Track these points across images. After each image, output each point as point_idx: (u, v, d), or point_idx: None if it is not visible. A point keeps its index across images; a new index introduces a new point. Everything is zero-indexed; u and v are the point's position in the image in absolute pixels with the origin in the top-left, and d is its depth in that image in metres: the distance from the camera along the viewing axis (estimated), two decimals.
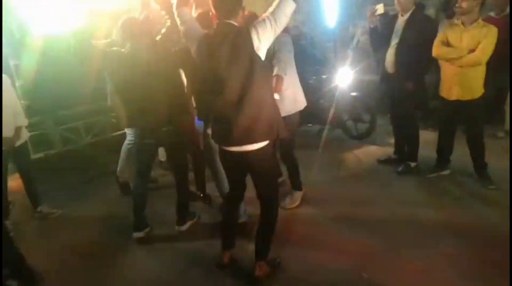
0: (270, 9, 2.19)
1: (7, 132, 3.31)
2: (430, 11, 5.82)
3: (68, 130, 5.54)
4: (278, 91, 2.83)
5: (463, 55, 3.35)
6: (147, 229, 3.24)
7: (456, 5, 3.38)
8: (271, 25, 2.14)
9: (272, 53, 2.91)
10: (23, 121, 3.56)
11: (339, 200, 3.64)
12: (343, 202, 3.58)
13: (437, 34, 3.58)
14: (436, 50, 3.51)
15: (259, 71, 2.19)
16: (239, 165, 2.46)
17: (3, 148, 3.23)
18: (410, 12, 3.68)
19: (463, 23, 3.41)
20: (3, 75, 3.43)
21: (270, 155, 2.40)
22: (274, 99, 2.40)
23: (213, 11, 2.26)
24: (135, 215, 3.17)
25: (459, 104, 3.55)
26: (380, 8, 3.68)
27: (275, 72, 2.87)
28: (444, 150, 3.89)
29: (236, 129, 2.25)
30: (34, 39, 4.75)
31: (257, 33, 2.14)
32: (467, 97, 3.49)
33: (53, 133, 5.43)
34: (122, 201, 3.95)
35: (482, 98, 3.51)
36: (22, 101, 4.76)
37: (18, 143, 3.48)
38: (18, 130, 3.46)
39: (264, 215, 2.52)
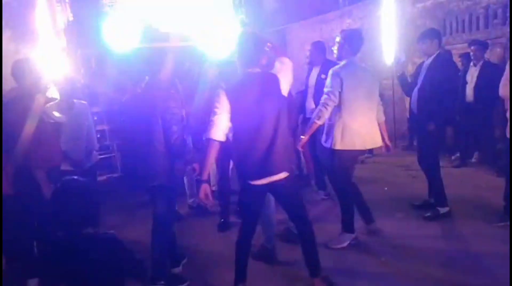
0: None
1: (77, 155, 3.54)
2: (498, 51, 5.60)
3: None
4: None
5: None
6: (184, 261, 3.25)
7: None
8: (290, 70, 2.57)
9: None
10: (94, 145, 3.80)
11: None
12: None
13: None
14: (503, 89, 3.37)
15: (283, 109, 2.50)
16: (261, 200, 2.69)
17: (74, 169, 3.43)
18: (433, 56, 3.76)
19: None
20: (83, 102, 3.71)
21: (293, 184, 2.68)
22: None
23: (238, 62, 2.57)
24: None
25: None
26: (402, 56, 3.91)
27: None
28: None
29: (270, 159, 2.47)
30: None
31: (284, 77, 2.51)
32: None
33: (116, 157, 5.76)
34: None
35: None
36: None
37: (88, 165, 3.68)
38: (88, 153, 3.68)
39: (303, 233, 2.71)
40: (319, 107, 3.22)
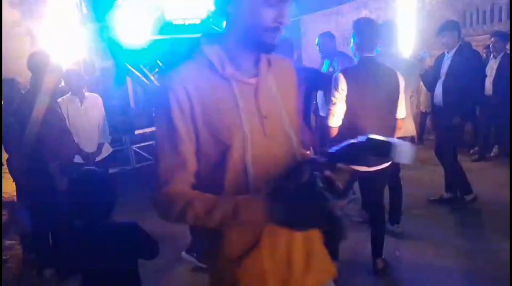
0: None
1: (90, 148, 3.56)
2: None
3: (142, 149, 5.88)
4: None
5: None
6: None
7: None
8: None
9: None
10: (107, 138, 3.81)
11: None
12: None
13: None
14: None
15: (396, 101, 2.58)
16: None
17: (86, 162, 3.47)
18: (454, 48, 3.72)
19: None
20: (96, 94, 3.72)
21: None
22: None
23: (355, 46, 2.57)
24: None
25: None
26: (426, 54, 3.93)
27: None
28: None
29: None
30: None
31: None
32: None
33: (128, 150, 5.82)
34: None
35: None
36: None
37: (99, 158, 3.68)
38: (100, 146, 3.68)
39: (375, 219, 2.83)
40: None
